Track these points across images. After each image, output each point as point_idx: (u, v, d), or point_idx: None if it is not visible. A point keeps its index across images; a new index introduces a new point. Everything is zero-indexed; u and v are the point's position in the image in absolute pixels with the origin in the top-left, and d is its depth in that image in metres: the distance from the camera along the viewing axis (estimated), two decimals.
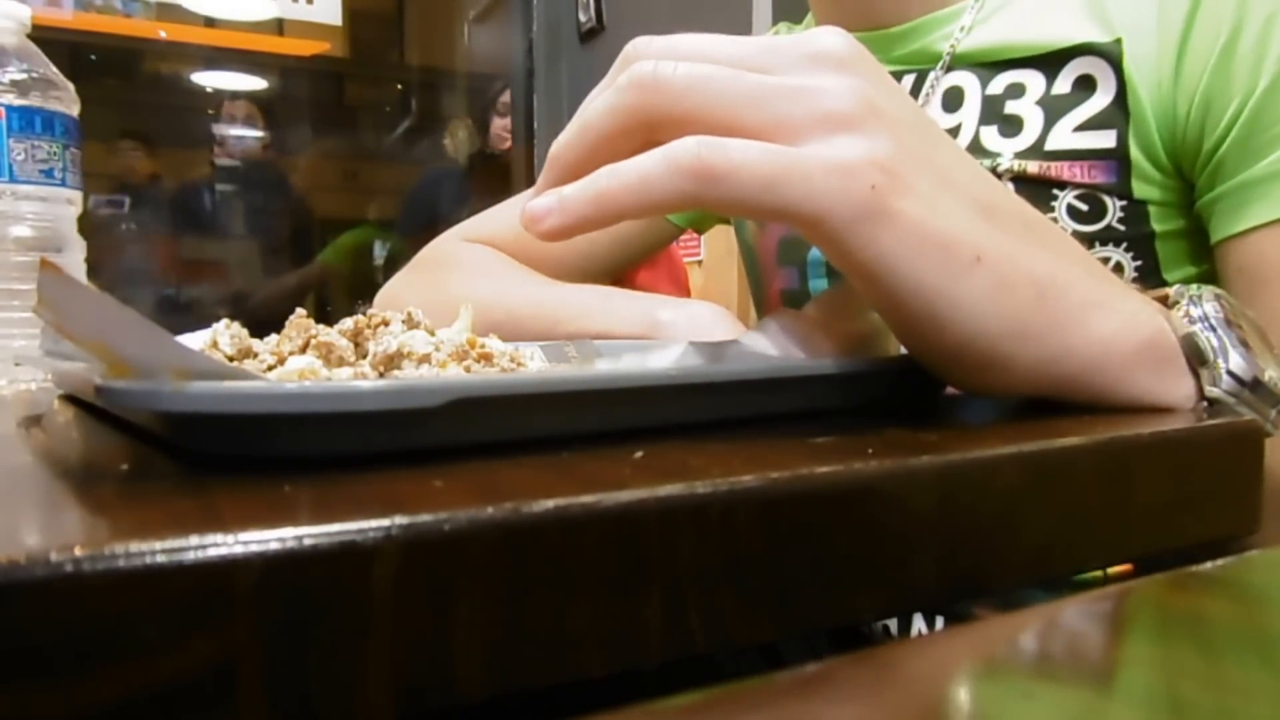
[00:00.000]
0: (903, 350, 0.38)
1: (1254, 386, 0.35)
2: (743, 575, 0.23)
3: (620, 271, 0.86)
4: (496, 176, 2.97)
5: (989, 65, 0.60)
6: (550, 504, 0.20)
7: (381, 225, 3.04)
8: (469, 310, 0.40)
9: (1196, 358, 0.35)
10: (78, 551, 0.16)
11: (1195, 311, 0.36)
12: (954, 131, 0.60)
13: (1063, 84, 0.57)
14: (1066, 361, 0.33)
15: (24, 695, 0.16)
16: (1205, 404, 0.35)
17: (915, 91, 0.63)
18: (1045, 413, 0.34)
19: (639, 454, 0.26)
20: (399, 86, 3.36)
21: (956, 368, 0.33)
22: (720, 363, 0.35)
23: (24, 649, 0.16)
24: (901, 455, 0.26)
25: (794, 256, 0.64)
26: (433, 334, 0.34)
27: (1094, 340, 0.33)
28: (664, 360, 0.36)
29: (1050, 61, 0.57)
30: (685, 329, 0.51)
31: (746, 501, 0.23)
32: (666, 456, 0.26)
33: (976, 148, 0.60)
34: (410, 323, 0.35)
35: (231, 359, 0.33)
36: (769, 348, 0.36)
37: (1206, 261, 0.56)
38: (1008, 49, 0.59)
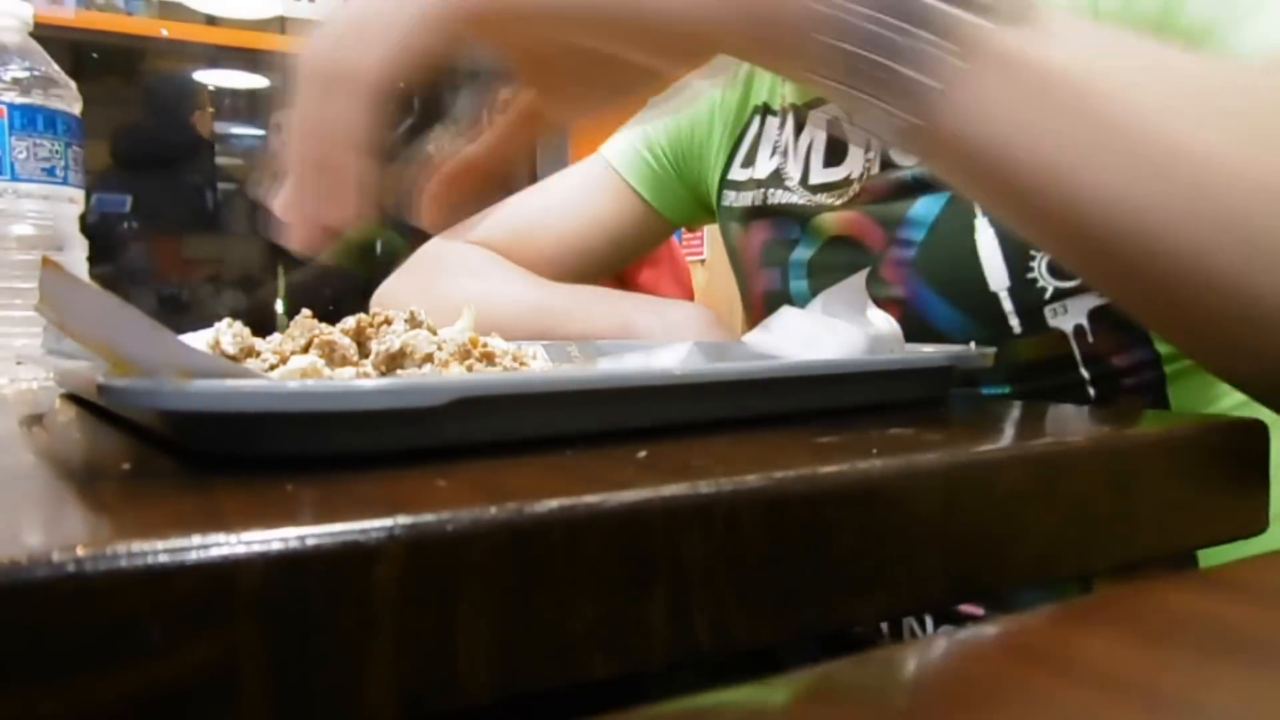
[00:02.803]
0: (907, 349, 0.38)
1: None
2: (747, 576, 0.23)
3: (617, 270, 0.87)
4: None
5: None
6: (554, 504, 0.20)
7: (385, 223, 3.04)
8: (471, 309, 0.40)
9: None
10: (80, 551, 0.16)
11: None
12: None
13: None
14: None
15: (26, 695, 0.16)
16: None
17: None
18: (1049, 413, 0.34)
19: (643, 454, 0.26)
20: (400, 85, 3.35)
21: None
22: (725, 362, 0.35)
23: (26, 649, 0.16)
24: (906, 455, 0.25)
25: (776, 258, 0.64)
26: (435, 333, 0.34)
27: None
28: (669, 360, 0.36)
29: None
30: (661, 335, 0.51)
31: (751, 501, 0.22)
32: (670, 456, 0.26)
33: None
34: (413, 322, 0.35)
35: (234, 358, 0.33)
36: (773, 347, 0.36)
37: None
38: None
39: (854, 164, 0.59)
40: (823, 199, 0.60)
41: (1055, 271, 0.51)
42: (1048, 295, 0.51)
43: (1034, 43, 0.30)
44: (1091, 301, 0.51)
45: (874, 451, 0.26)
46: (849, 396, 0.35)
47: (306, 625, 0.18)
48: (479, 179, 0.36)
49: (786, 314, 0.39)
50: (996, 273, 0.52)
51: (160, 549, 0.17)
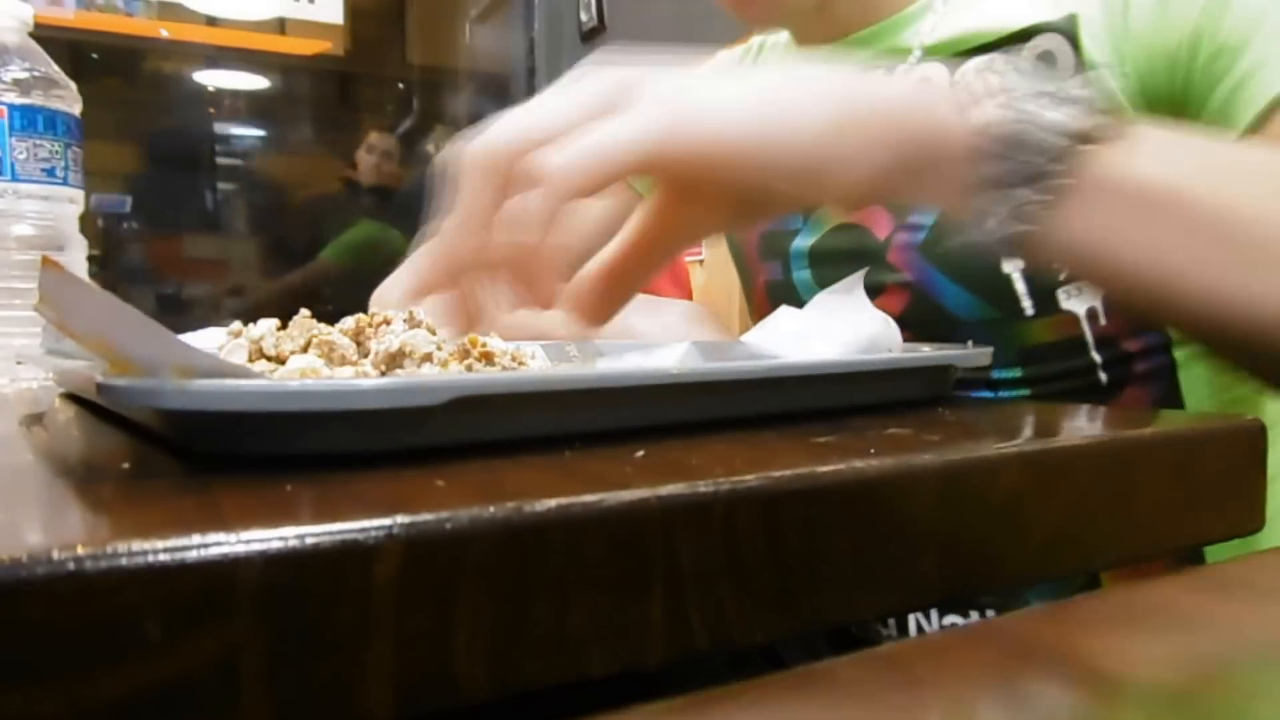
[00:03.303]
0: (904, 348, 0.38)
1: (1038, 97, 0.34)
2: (745, 575, 0.23)
3: None
4: None
5: (957, 55, 0.60)
6: (552, 503, 0.20)
7: (384, 223, 3.04)
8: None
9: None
10: (80, 550, 0.16)
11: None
12: None
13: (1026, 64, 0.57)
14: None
15: (27, 694, 0.16)
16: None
17: None
18: (1047, 412, 0.34)
19: (641, 453, 0.26)
20: (400, 85, 3.36)
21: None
22: (722, 362, 0.35)
23: (26, 648, 0.16)
24: (904, 454, 0.26)
25: (776, 249, 0.64)
26: (434, 333, 0.34)
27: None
28: (666, 359, 0.36)
29: (1012, 44, 0.57)
30: (656, 334, 0.51)
31: (748, 501, 0.23)
32: (668, 456, 0.26)
33: None
34: (412, 321, 0.35)
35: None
36: (771, 347, 0.36)
37: None
38: (972, 37, 0.59)
39: None
40: None
41: None
42: (1062, 276, 0.51)
43: (1132, 159, 0.35)
44: None
45: (871, 451, 0.26)
46: (847, 396, 0.35)
47: (306, 624, 0.18)
48: (619, 279, 0.37)
49: (784, 314, 0.39)
50: None
51: (160, 548, 0.17)
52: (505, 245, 0.33)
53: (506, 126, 0.32)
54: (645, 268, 0.37)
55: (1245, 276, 0.34)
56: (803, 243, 0.61)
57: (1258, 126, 0.47)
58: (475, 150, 0.32)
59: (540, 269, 0.33)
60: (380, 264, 0.73)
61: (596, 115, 0.32)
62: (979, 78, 0.36)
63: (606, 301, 0.37)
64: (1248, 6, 0.47)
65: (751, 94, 0.34)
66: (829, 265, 0.60)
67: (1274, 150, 0.41)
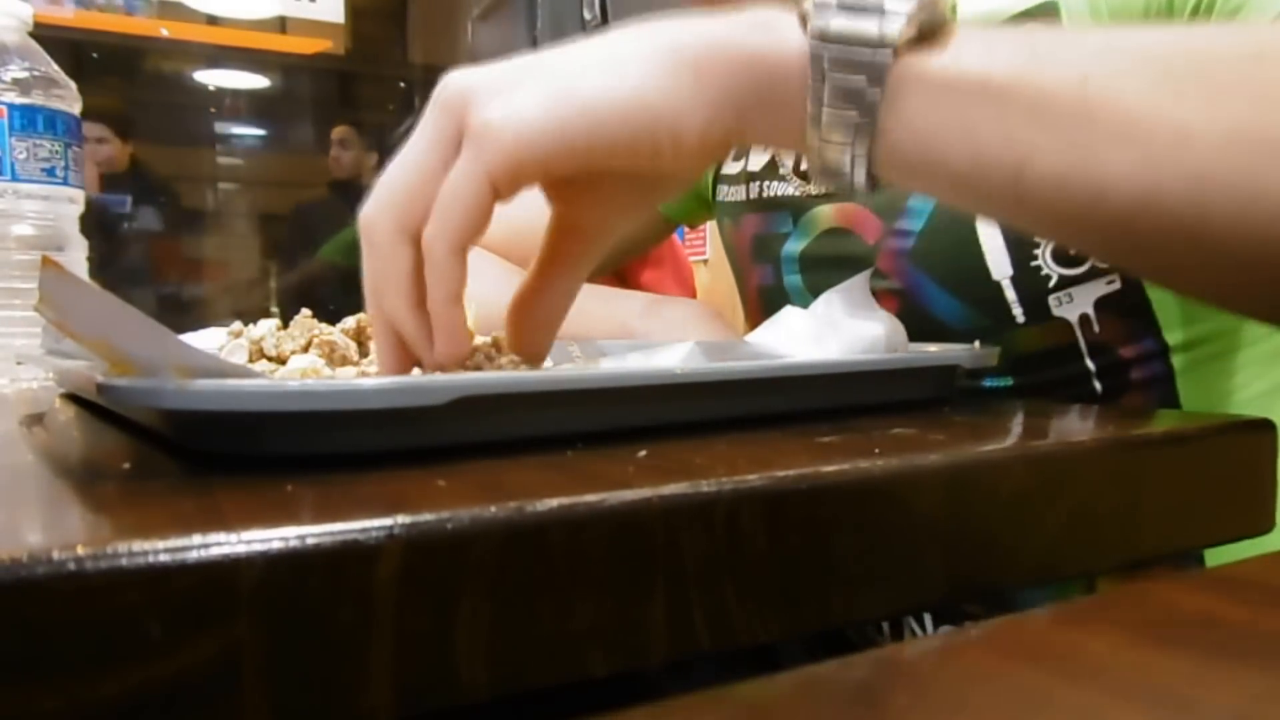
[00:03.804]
0: (910, 349, 0.38)
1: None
2: (748, 575, 0.23)
3: (617, 268, 0.86)
4: None
5: None
6: (554, 503, 0.20)
7: None
8: (473, 307, 0.40)
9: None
10: (80, 550, 0.16)
11: None
12: None
13: None
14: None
15: (27, 694, 0.16)
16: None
17: None
18: (1054, 412, 0.34)
19: (643, 453, 0.26)
20: (402, 84, 3.36)
21: None
22: (726, 362, 0.35)
23: (27, 647, 0.16)
24: (909, 455, 0.25)
25: (767, 253, 0.64)
26: None
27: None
28: (670, 359, 0.36)
29: None
30: (660, 333, 0.51)
31: (751, 501, 0.22)
32: (671, 455, 0.26)
33: None
34: None
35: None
36: (775, 346, 0.36)
37: None
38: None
39: None
40: (817, 189, 0.60)
41: (1060, 259, 0.51)
42: (1052, 283, 0.51)
43: (961, 53, 0.33)
44: (1098, 290, 0.51)
45: (876, 451, 0.26)
46: (851, 396, 0.35)
47: (307, 624, 0.18)
48: (542, 305, 0.37)
49: (789, 313, 0.39)
50: (999, 261, 0.51)
51: (160, 548, 0.17)
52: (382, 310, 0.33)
53: (381, 197, 0.33)
54: (555, 281, 0.37)
55: (1096, 155, 0.32)
56: (793, 247, 0.61)
57: None
58: (364, 226, 0.33)
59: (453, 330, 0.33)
60: None
61: (448, 159, 0.32)
62: None
63: (529, 332, 0.37)
64: None
65: (563, 79, 0.33)
66: (820, 270, 0.60)
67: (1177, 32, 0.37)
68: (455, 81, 0.33)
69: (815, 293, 0.41)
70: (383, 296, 0.32)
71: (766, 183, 0.64)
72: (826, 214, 0.59)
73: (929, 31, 0.32)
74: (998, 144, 0.32)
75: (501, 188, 0.32)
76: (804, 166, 0.61)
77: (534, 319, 0.36)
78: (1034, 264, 0.51)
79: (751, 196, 0.65)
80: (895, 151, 0.33)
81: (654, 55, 0.33)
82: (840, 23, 0.32)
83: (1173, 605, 0.18)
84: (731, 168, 0.68)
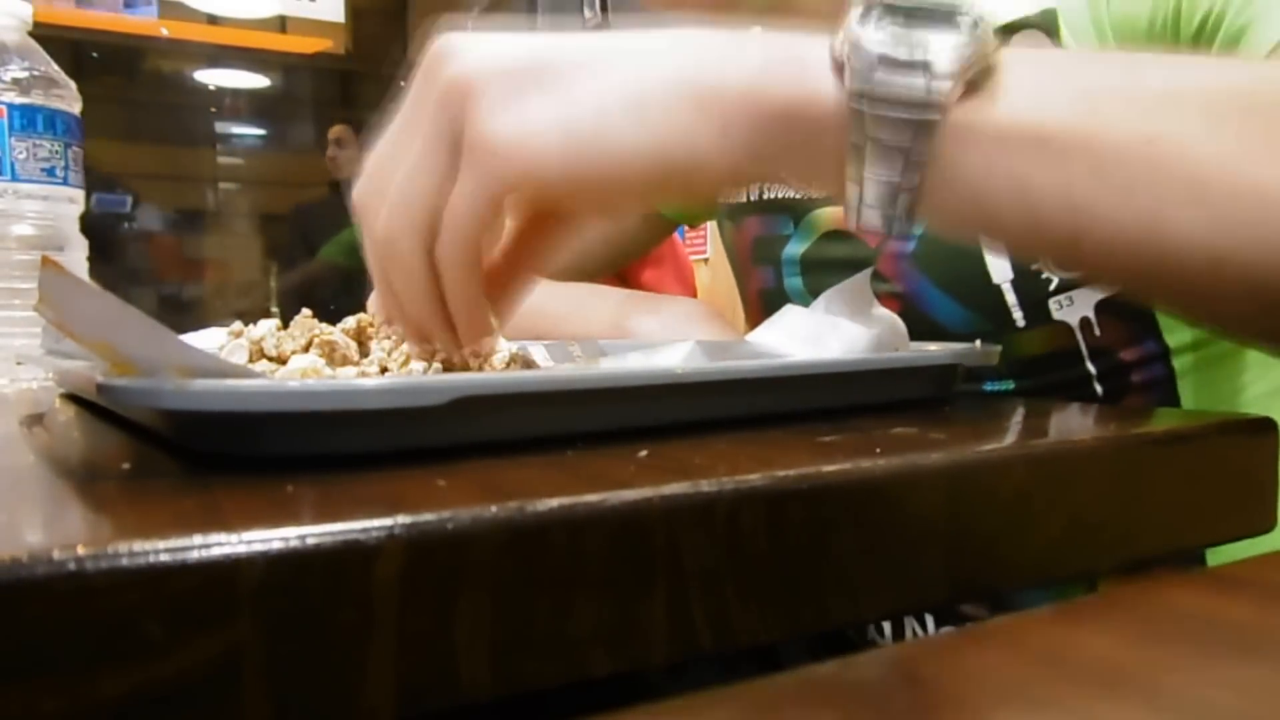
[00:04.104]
0: (911, 348, 0.38)
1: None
2: (749, 575, 0.22)
3: (618, 268, 0.86)
4: None
5: None
6: (554, 503, 0.20)
7: None
8: None
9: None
10: (80, 550, 0.16)
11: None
12: None
13: None
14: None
15: (27, 694, 0.16)
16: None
17: None
18: (1056, 411, 0.34)
19: (644, 452, 0.26)
20: (402, 84, 3.35)
21: None
22: (727, 361, 0.35)
23: (27, 648, 0.16)
24: (910, 454, 0.25)
25: (768, 255, 0.64)
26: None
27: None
28: (670, 359, 0.36)
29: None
30: (660, 332, 0.51)
31: (752, 500, 0.22)
32: (671, 455, 0.26)
33: None
34: None
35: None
36: (776, 346, 0.36)
37: None
38: None
39: None
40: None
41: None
42: (1052, 287, 0.51)
43: (1006, 101, 0.30)
44: (1098, 293, 0.51)
45: (877, 451, 0.25)
46: (852, 395, 0.35)
47: (307, 624, 0.18)
48: (497, 288, 0.36)
49: (789, 312, 0.39)
50: (999, 265, 0.51)
51: (161, 548, 0.17)
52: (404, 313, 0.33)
53: (397, 213, 0.32)
54: (522, 275, 0.36)
55: (1165, 218, 0.30)
56: (794, 250, 0.61)
57: None
58: (383, 242, 0.32)
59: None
60: None
61: (453, 163, 0.31)
62: (841, 36, 0.31)
63: (480, 309, 0.36)
64: None
65: (581, 111, 0.31)
66: (821, 273, 0.60)
67: (1220, 67, 0.35)
68: (451, 59, 0.32)
69: (816, 295, 0.41)
70: (407, 304, 0.32)
71: (768, 184, 0.64)
72: (828, 216, 0.59)
73: (978, 79, 0.30)
74: (1057, 205, 0.30)
75: (501, 204, 0.32)
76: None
77: (489, 299, 0.35)
78: (1034, 267, 0.51)
79: (753, 198, 0.65)
80: (943, 209, 0.32)
81: (679, 99, 0.31)
82: (883, 80, 0.29)
83: (1173, 604, 0.18)
84: None
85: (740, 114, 0.31)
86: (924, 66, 0.29)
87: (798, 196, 0.61)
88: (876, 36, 0.30)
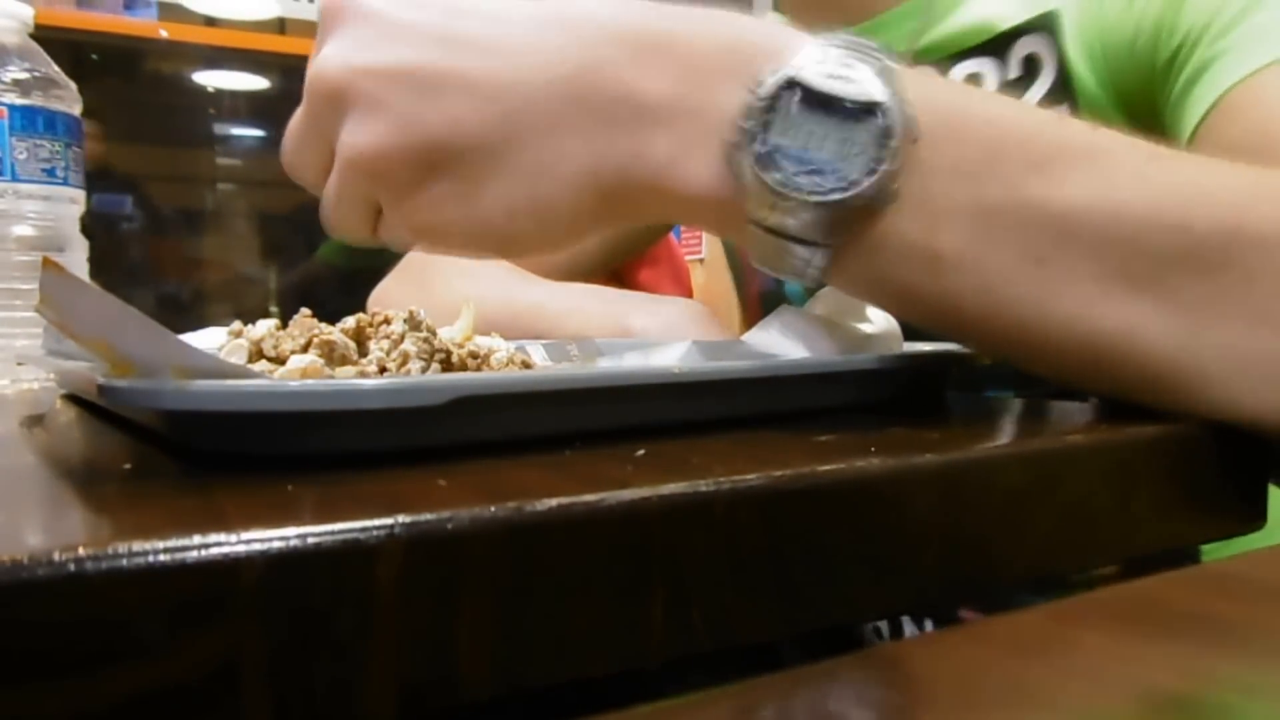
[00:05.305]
0: (905, 348, 0.38)
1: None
2: (746, 574, 0.23)
3: (613, 267, 0.86)
4: None
5: (948, 57, 0.60)
6: (553, 503, 0.20)
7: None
8: (471, 309, 0.40)
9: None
10: (81, 551, 0.16)
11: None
12: None
13: (1013, 69, 0.57)
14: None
15: (27, 695, 0.16)
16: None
17: None
18: (1048, 411, 0.34)
19: (641, 452, 0.26)
20: None
21: None
22: (723, 361, 0.35)
23: (27, 648, 0.16)
24: (904, 454, 0.26)
25: None
26: (434, 333, 0.34)
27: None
28: (667, 358, 0.36)
29: (999, 46, 0.57)
30: (656, 332, 0.51)
31: (749, 500, 0.23)
32: (669, 455, 0.26)
33: None
34: (412, 322, 0.35)
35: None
36: (772, 346, 0.36)
37: None
38: (961, 38, 0.59)
39: None
40: None
41: None
42: None
43: (902, 215, 0.30)
44: None
45: (872, 450, 0.26)
46: (848, 395, 0.35)
47: (307, 624, 0.18)
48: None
49: (785, 313, 0.39)
50: None
51: (161, 548, 0.17)
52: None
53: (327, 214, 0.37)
54: None
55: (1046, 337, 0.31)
56: None
57: (1197, 131, 0.46)
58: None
59: None
60: (378, 262, 0.73)
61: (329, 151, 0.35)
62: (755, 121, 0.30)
63: None
64: None
65: (487, 211, 0.32)
66: None
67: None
68: (330, 54, 0.33)
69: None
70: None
71: None
72: None
73: (884, 182, 0.30)
74: (946, 314, 0.32)
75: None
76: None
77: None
78: None
79: None
80: (842, 282, 0.33)
81: (588, 197, 0.32)
82: (791, 180, 0.29)
83: (1167, 601, 0.18)
84: None
85: (650, 202, 0.32)
86: (834, 171, 0.29)
87: None
88: (792, 134, 0.29)
